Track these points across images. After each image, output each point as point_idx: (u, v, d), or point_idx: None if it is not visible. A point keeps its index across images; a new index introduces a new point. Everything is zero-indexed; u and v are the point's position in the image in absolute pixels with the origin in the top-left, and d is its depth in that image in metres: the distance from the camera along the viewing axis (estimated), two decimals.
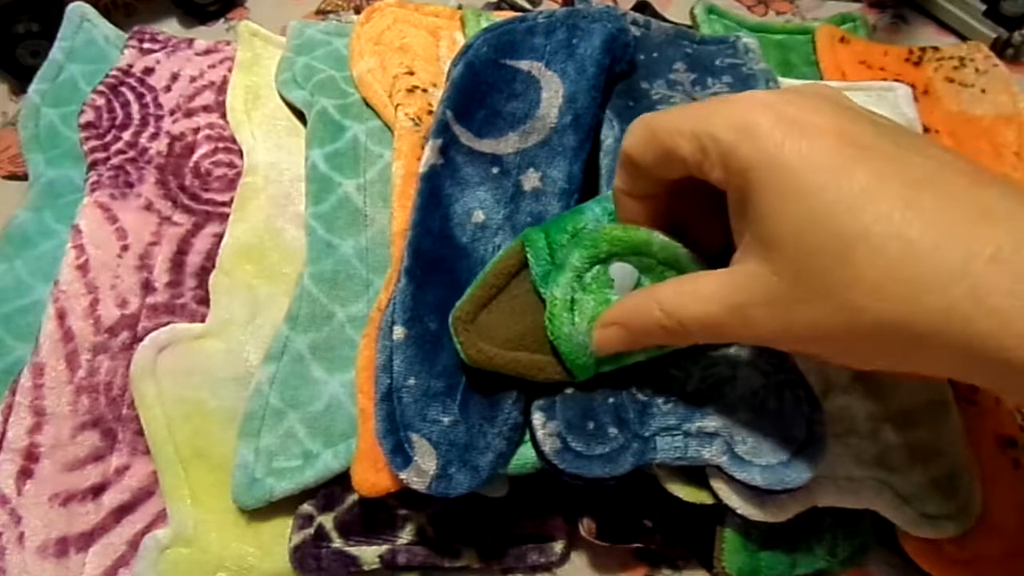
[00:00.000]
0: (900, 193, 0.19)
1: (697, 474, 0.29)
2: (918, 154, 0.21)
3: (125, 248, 0.35)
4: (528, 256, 0.28)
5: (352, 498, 0.31)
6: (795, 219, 0.21)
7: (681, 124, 0.23)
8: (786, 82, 0.41)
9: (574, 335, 0.27)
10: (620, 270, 0.27)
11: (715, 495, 0.29)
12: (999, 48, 0.49)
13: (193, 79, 0.42)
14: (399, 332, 0.29)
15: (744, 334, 0.23)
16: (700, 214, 0.27)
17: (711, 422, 0.28)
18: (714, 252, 0.26)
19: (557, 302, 0.27)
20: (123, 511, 0.31)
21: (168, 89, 0.41)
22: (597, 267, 0.27)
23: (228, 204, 0.37)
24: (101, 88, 0.40)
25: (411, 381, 0.28)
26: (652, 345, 0.27)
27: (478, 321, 0.28)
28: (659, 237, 0.27)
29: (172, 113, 0.40)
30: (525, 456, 0.29)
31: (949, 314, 0.19)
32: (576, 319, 0.27)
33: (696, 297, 0.24)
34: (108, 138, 0.39)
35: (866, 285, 0.20)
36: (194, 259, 0.36)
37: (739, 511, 0.28)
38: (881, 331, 0.20)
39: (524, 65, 0.35)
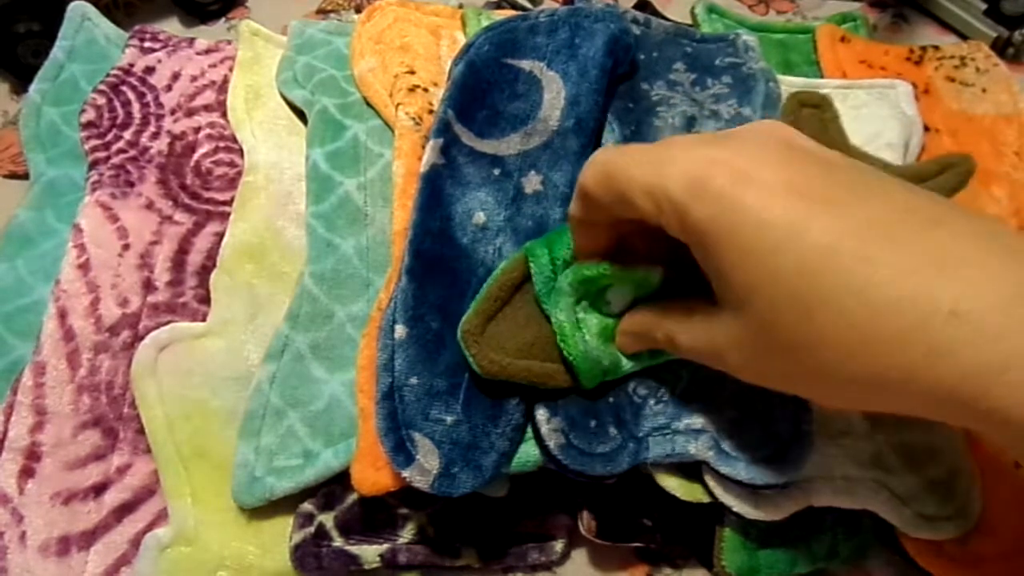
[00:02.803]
0: (855, 249, 0.19)
1: (694, 473, 0.29)
2: (871, 197, 0.20)
3: (126, 247, 0.35)
4: (532, 270, 0.29)
5: (352, 497, 0.31)
6: (755, 278, 0.21)
7: (636, 174, 0.23)
8: (786, 80, 0.41)
9: (589, 351, 0.27)
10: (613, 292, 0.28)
11: (711, 493, 0.29)
12: (1000, 47, 0.49)
13: (194, 78, 0.42)
14: (400, 331, 0.29)
15: (727, 370, 0.24)
16: (650, 235, 0.26)
17: (699, 419, 0.29)
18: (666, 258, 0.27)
19: (565, 325, 0.27)
20: (124, 510, 0.31)
21: (169, 88, 0.41)
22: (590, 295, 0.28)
23: (229, 203, 0.37)
24: (102, 87, 0.40)
25: (413, 380, 0.28)
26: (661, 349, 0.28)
27: (487, 333, 0.28)
28: (619, 273, 0.27)
29: (173, 112, 0.40)
30: (526, 454, 0.29)
31: (913, 370, 0.19)
32: (587, 337, 0.28)
33: (689, 330, 0.25)
34: (109, 137, 0.39)
35: (830, 343, 0.20)
36: (195, 258, 0.36)
37: (734, 509, 0.28)
38: (850, 383, 0.20)
39: (526, 65, 0.35)
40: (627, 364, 0.29)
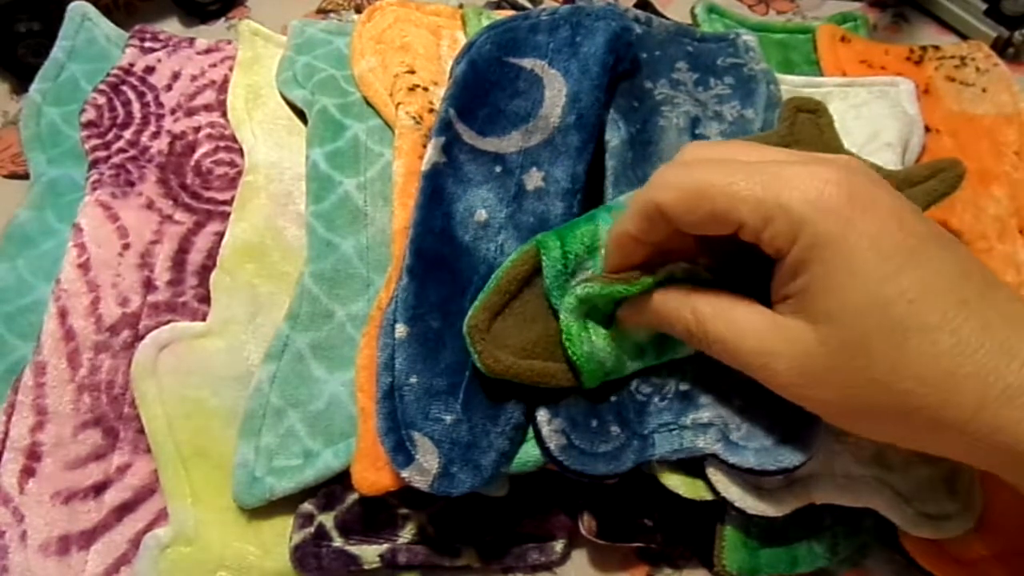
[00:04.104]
0: (953, 289, 0.21)
1: (696, 470, 0.29)
2: (949, 245, 0.23)
3: (126, 247, 0.35)
4: (542, 263, 0.28)
5: (352, 497, 0.31)
6: (858, 300, 0.22)
7: (741, 190, 0.23)
8: (786, 79, 0.41)
9: (594, 352, 0.27)
10: None
11: (714, 490, 0.29)
12: (1000, 47, 0.49)
13: (194, 78, 0.42)
14: (401, 330, 0.29)
15: (758, 374, 0.24)
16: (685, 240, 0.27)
17: (705, 413, 0.29)
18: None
19: (572, 326, 0.27)
20: (124, 509, 0.31)
21: (169, 88, 0.41)
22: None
23: (229, 203, 0.37)
24: (102, 87, 0.40)
25: (413, 379, 0.28)
26: (668, 333, 0.27)
27: (493, 329, 0.27)
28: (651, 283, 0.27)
29: (173, 112, 0.40)
30: (527, 454, 0.29)
31: (981, 407, 0.21)
32: (593, 338, 0.27)
33: (731, 322, 0.25)
34: (109, 137, 0.39)
35: (912, 371, 0.21)
36: (195, 258, 0.36)
37: (737, 503, 0.28)
38: (912, 413, 0.22)
39: (527, 63, 0.35)
40: (632, 365, 0.28)
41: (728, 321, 0.25)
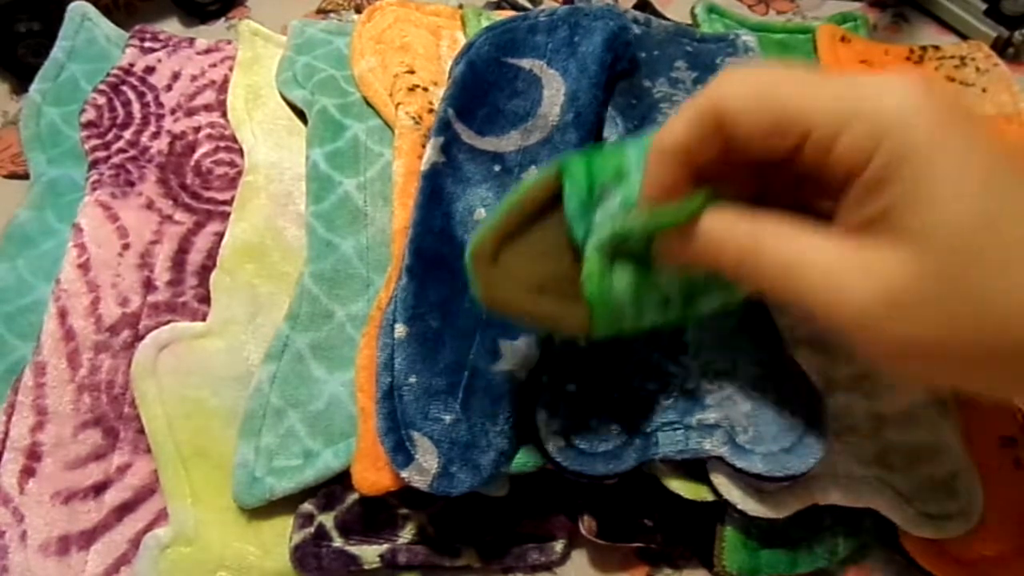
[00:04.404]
0: None
1: (697, 471, 0.29)
2: None
3: (126, 247, 0.35)
4: (564, 189, 0.24)
5: (352, 497, 0.31)
6: (962, 216, 0.19)
7: (815, 92, 0.21)
8: None
9: (615, 296, 0.24)
10: None
11: (715, 491, 0.29)
12: (1000, 47, 0.49)
13: (194, 78, 0.42)
14: (400, 330, 0.29)
15: (825, 308, 0.21)
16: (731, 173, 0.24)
17: (711, 414, 0.28)
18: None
19: (596, 264, 0.23)
20: (124, 509, 0.31)
21: (169, 88, 0.41)
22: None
23: (229, 203, 0.37)
24: (102, 87, 0.40)
25: (412, 379, 0.28)
26: (707, 265, 0.23)
27: (499, 259, 0.24)
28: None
29: (173, 112, 0.40)
30: (527, 455, 0.29)
31: None
32: (616, 281, 0.24)
33: (795, 246, 0.21)
34: (109, 137, 0.39)
35: (1020, 298, 0.18)
36: (195, 258, 0.36)
37: (739, 506, 0.28)
38: (1013, 350, 0.19)
39: (526, 63, 0.35)
40: (650, 318, 0.25)
41: (792, 245, 0.21)
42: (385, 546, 0.30)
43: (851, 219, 0.21)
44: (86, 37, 0.43)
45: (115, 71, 0.41)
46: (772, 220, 0.22)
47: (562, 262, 0.24)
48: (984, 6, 0.49)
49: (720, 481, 0.29)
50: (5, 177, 0.42)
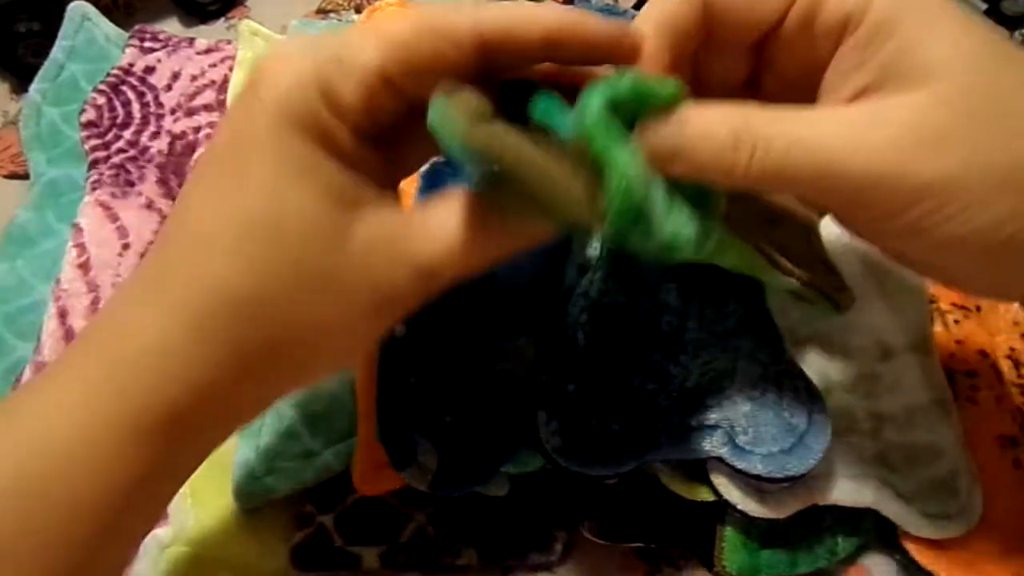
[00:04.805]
0: None
1: (697, 471, 0.29)
2: None
3: (126, 247, 0.35)
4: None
5: (352, 497, 0.31)
6: (972, 46, 0.18)
7: None
8: None
9: (622, 162, 0.19)
10: None
11: (715, 491, 0.29)
12: None
13: (194, 78, 0.42)
14: (400, 330, 0.29)
15: (832, 179, 0.19)
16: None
17: (711, 415, 0.28)
18: None
19: (599, 127, 0.19)
20: None
21: (169, 88, 0.41)
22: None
23: None
24: (102, 87, 0.40)
25: (413, 380, 0.28)
26: (696, 159, 0.20)
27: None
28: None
29: (173, 112, 0.40)
30: (527, 455, 0.29)
31: None
32: (620, 151, 0.19)
33: (795, 122, 0.19)
34: (109, 137, 0.39)
35: None
36: None
37: (739, 506, 0.28)
38: None
39: None
40: (661, 205, 0.20)
41: (788, 121, 0.19)
42: (385, 546, 0.30)
43: (843, 90, 0.20)
44: (86, 37, 0.43)
45: (115, 71, 0.41)
46: (767, 105, 0.20)
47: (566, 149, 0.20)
48: (984, 6, 0.49)
49: (720, 481, 0.29)
50: (5, 177, 0.42)
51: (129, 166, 0.38)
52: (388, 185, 0.22)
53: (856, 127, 0.19)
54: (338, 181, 0.19)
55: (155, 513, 0.22)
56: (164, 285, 0.19)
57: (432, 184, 0.32)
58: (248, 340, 0.19)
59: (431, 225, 0.20)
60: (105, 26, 0.44)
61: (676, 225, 0.20)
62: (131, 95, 0.40)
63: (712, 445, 0.28)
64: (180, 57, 0.43)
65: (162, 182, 0.38)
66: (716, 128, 0.19)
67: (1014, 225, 0.19)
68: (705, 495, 0.29)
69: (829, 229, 0.27)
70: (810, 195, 0.21)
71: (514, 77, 0.22)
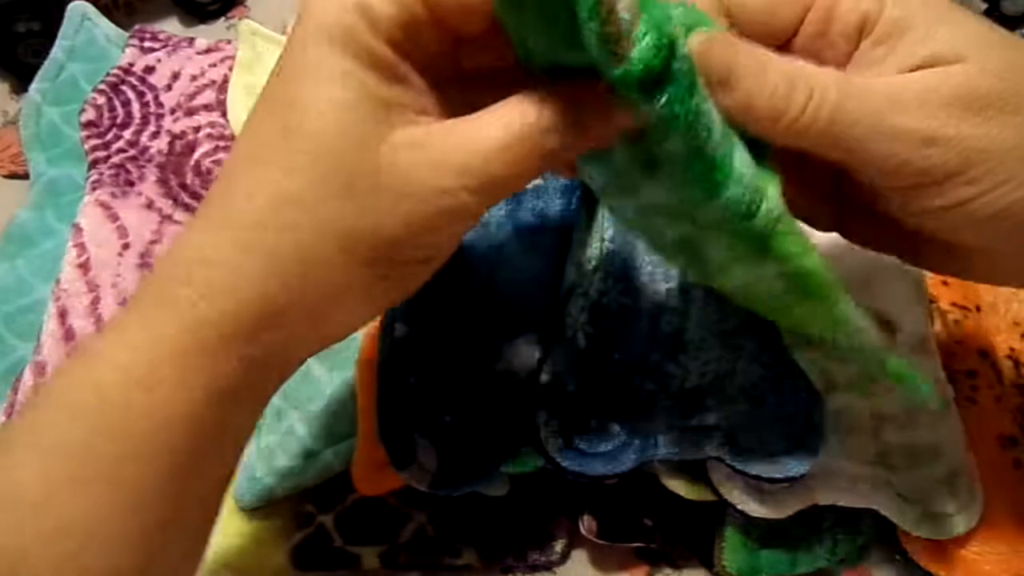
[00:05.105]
0: None
1: (697, 471, 0.29)
2: None
3: (126, 246, 0.35)
4: None
5: (352, 497, 0.31)
6: (988, 26, 0.19)
7: None
8: None
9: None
10: None
11: (715, 491, 0.29)
12: None
13: (194, 78, 0.42)
14: (400, 330, 0.29)
15: (901, 144, 0.19)
16: None
17: (711, 416, 0.28)
18: None
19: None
20: None
21: (169, 88, 0.41)
22: None
23: None
24: (102, 87, 0.40)
25: (412, 379, 0.28)
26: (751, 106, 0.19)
27: None
28: None
29: (173, 112, 0.40)
30: (527, 455, 0.29)
31: None
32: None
33: (863, 82, 0.19)
34: (109, 137, 0.39)
35: None
36: None
37: (739, 506, 0.28)
38: None
39: None
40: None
41: (850, 77, 0.19)
42: (385, 546, 0.30)
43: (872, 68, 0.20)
44: (86, 37, 0.43)
45: (115, 71, 0.41)
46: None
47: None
48: (984, 6, 0.49)
49: (720, 481, 0.29)
50: (5, 177, 0.42)
51: (129, 166, 0.38)
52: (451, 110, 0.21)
53: (908, 90, 0.19)
54: (378, 93, 0.20)
55: (244, 425, 0.22)
56: (222, 201, 0.20)
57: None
58: (285, 247, 0.19)
59: (473, 126, 0.20)
60: (105, 26, 0.44)
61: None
62: (131, 95, 0.40)
63: (712, 446, 0.28)
64: (180, 57, 0.43)
65: (162, 182, 0.38)
66: (773, 66, 0.19)
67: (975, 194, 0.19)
68: (705, 495, 0.29)
69: (829, 235, 0.27)
70: (859, 157, 0.20)
71: None
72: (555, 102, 0.18)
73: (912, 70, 0.19)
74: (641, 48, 0.16)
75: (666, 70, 0.17)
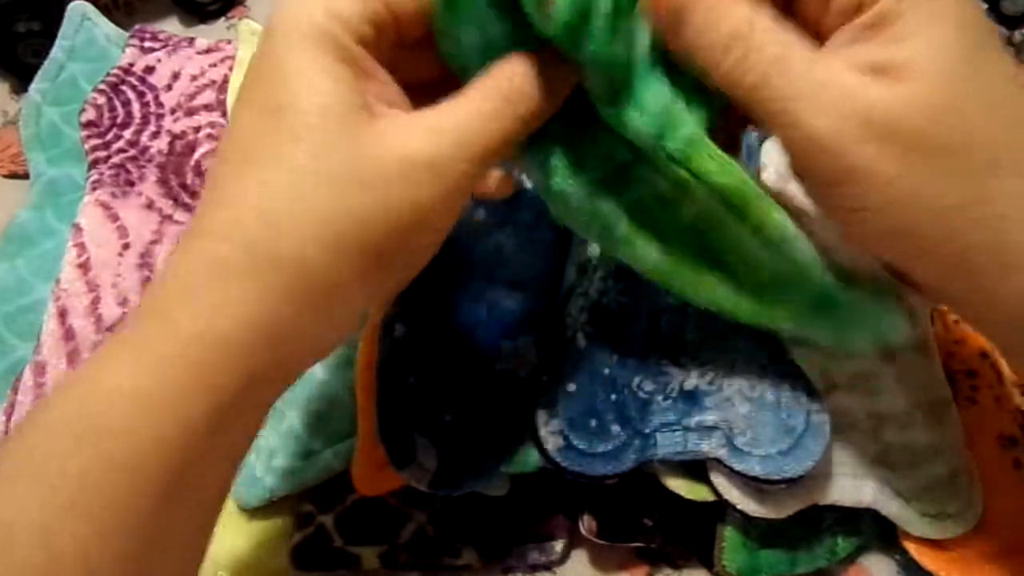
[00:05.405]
0: None
1: (697, 471, 0.29)
2: None
3: (126, 246, 0.35)
4: None
5: (352, 497, 0.31)
6: (963, 53, 0.19)
7: None
8: None
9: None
10: None
11: (715, 491, 0.29)
12: None
13: (194, 78, 0.42)
14: (400, 330, 0.29)
15: (801, 138, 0.19)
16: None
17: (710, 416, 0.28)
18: None
19: None
20: None
21: (169, 88, 0.41)
22: None
23: None
24: (102, 87, 0.40)
25: (412, 379, 0.28)
26: (693, 41, 0.20)
27: None
28: None
29: (173, 112, 0.40)
30: (527, 455, 0.29)
31: None
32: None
33: (803, 66, 0.19)
34: (109, 137, 0.39)
35: (1007, 158, 0.19)
36: None
37: (738, 506, 0.28)
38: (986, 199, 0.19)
39: None
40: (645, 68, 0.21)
41: (801, 55, 0.20)
42: (385, 546, 0.30)
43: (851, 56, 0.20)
44: (86, 37, 0.43)
45: (115, 71, 0.41)
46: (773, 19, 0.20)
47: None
48: (984, 6, 0.49)
49: (720, 481, 0.29)
50: (5, 177, 0.42)
51: (129, 166, 0.38)
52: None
53: (840, 92, 0.19)
54: (357, 86, 0.21)
55: (242, 431, 0.21)
56: (214, 209, 0.20)
57: None
58: (286, 248, 0.19)
59: (454, 103, 0.21)
60: (105, 26, 0.44)
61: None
62: (131, 95, 0.40)
63: (710, 446, 0.28)
64: (180, 57, 0.43)
65: (162, 182, 0.38)
66: (723, 19, 0.20)
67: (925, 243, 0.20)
68: (705, 495, 0.29)
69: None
70: (775, 132, 0.21)
71: None
72: (523, 67, 0.21)
73: (872, 67, 0.19)
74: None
75: (584, 18, 0.19)
